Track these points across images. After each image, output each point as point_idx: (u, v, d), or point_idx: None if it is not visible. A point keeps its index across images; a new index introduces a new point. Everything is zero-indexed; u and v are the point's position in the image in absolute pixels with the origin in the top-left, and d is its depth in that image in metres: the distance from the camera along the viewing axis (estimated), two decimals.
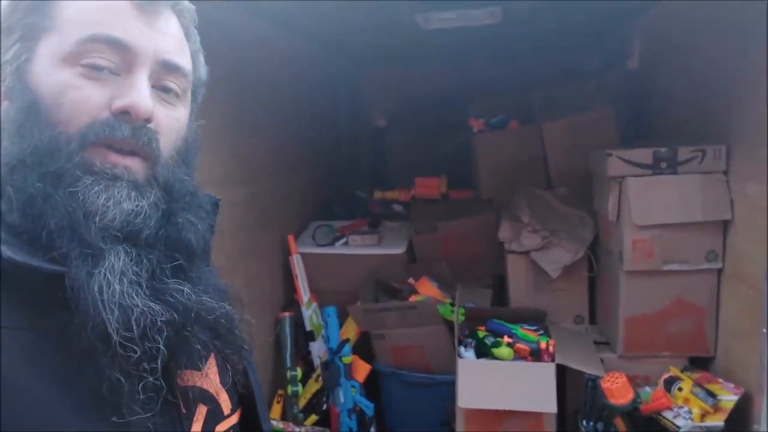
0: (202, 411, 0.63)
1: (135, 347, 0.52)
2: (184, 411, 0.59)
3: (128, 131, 0.56)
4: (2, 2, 0.60)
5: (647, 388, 1.72)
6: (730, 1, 1.61)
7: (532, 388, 1.70)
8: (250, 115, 2.07)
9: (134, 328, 0.52)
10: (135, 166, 0.57)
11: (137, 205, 0.56)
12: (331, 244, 2.46)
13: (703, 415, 1.55)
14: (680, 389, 1.64)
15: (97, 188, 0.54)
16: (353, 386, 2.10)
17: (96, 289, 0.51)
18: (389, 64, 3.38)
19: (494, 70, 3.17)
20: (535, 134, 2.47)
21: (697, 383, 1.62)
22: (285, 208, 2.46)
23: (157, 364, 0.54)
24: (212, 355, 0.64)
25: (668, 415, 1.58)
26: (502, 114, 2.63)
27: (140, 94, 0.56)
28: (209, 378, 0.64)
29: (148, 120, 0.57)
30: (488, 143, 2.56)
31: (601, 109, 2.38)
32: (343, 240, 2.47)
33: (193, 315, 0.57)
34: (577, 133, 2.38)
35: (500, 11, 2.17)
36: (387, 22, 2.29)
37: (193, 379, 0.61)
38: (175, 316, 0.56)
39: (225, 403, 0.67)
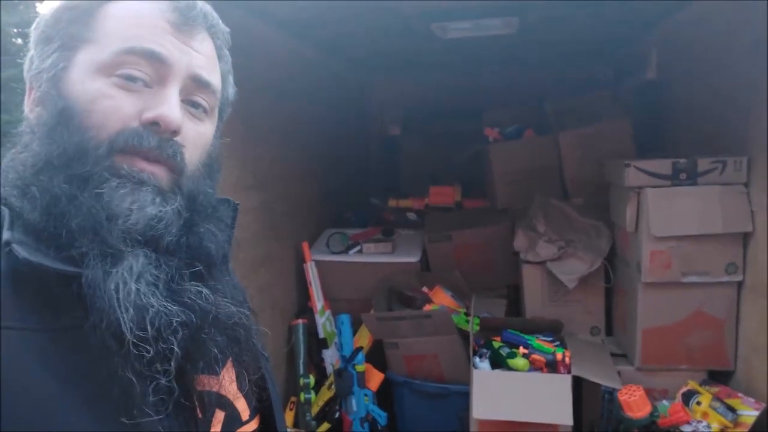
0: (219, 416, 0.63)
1: (148, 347, 0.52)
2: (200, 416, 0.59)
3: (155, 142, 0.57)
4: (44, 12, 0.62)
5: (665, 402, 1.70)
6: (749, 10, 1.60)
7: (547, 399, 1.68)
8: (263, 121, 2.08)
9: (148, 327, 0.52)
10: (161, 173, 0.58)
11: (160, 211, 0.57)
12: (345, 251, 2.45)
13: (723, 430, 1.53)
14: (699, 403, 1.61)
15: (123, 191, 0.55)
16: (366, 395, 2.09)
17: (112, 287, 0.52)
18: (403, 72, 3.39)
19: (509, 79, 3.16)
20: (551, 144, 2.46)
21: (717, 397, 1.59)
22: (298, 216, 2.46)
23: (171, 365, 0.54)
24: (230, 361, 0.64)
25: (686, 429, 1.56)
26: (517, 123, 2.62)
27: (170, 107, 0.58)
28: (226, 384, 0.64)
29: (175, 132, 0.59)
30: (503, 152, 2.55)
31: (617, 118, 2.37)
32: (357, 248, 2.47)
33: (210, 317, 0.58)
34: (593, 143, 2.37)
35: (517, 21, 2.17)
36: (403, 31, 2.30)
37: (210, 383, 0.61)
38: (192, 317, 0.56)
39: (243, 409, 0.67)
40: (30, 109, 0.61)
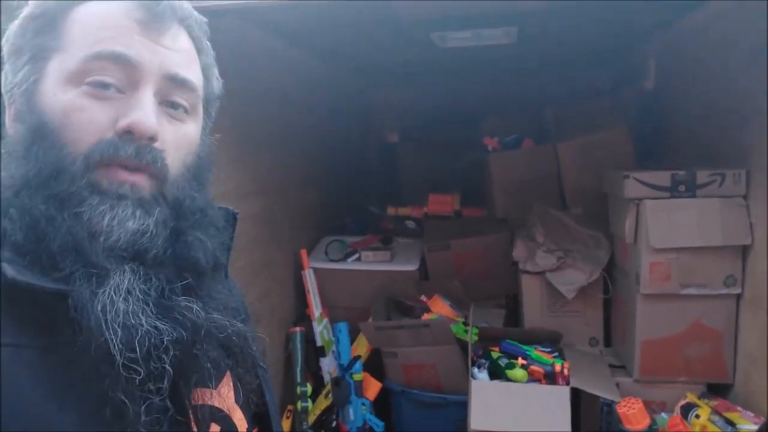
0: (215, 430, 0.62)
1: (139, 368, 0.51)
2: (195, 430, 0.59)
3: (132, 150, 0.55)
4: (12, 24, 0.60)
5: (663, 415, 1.70)
6: (747, 21, 1.60)
7: (546, 411, 1.68)
8: (261, 128, 2.08)
9: (138, 349, 0.51)
10: (142, 182, 0.57)
11: (143, 224, 0.55)
12: (344, 259, 2.45)
13: None
14: (697, 416, 1.61)
15: (102, 208, 0.54)
16: (363, 404, 2.09)
17: (99, 308, 0.51)
18: (402, 80, 3.39)
19: (508, 88, 3.17)
20: (550, 153, 2.46)
21: (716, 411, 1.59)
22: (297, 223, 2.46)
23: (164, 384, 0.53)
24: (227, 374, 0.63)
25: None
26: (516, 132, 2.62)
27: (144, 112, 0.56)
28: (222, 396, 0.63)
29: (152, 139, 0.56)
30: (502, 162, 2.55)
31: (616, 127, 2.37)
32: (356, 256, 2.46)
33: (202, 333, 0.57)
34: (592, 153, 2.37)
35: (516, 31, 2.17)
36: (402, 40, 2.31)
37: (204, 397, 0.60)
38: (184, 334, 0.55)
39: (240, 421, 0.66)
40: (10, 126, 0.59)
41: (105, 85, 0.56)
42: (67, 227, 0.52)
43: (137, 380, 0.51)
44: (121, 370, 0.50)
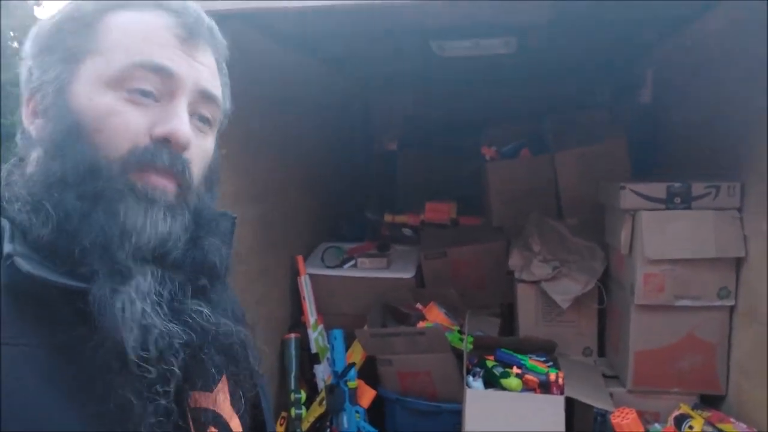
0: None
1: (150, 368, 0.52)
2: None
3: (167, 159, 0.57)
4: (43, 21, 0.61)
5: (657, 425, 1.70)
6: (744, 36, 1.62)
7: (540, 420, 1.68)
8: (261, 134, 2.08)
9: (151, 348, 0.52)
10: (170, 187, 0.58)
11: (170, 228, 0.57)
12: (340, 266, 2.45)
13: None
14: (691, 427, 1.61)
15: (137, 208, 0.55)
16: (357, 411, 2.08)
17: (119, 306, 0.52)
18: (401, 88, 3.41)
19: (507, 97, 3.18)
20: (547, 163, 2.48)
21: (709, 422, 1.59)
22: (294, 229, 2.46)
23: (170, 387, 0.54)
24: (224, 379, 0.64)
25: None
26: (514, 142, 2.64)
27: (181, 122, 0.58)
28: (219, 401, 0.64)
29: (185, 148, 0.58)
30: (500, 171, 2.56)
31: (613, 138, 2.39)
32: (352, 262, 2.46)
33: (210, 337, 0.58)
34: (589, 163, 2.38)
35: (515, 41, 2.19)
36: (402, 48, 2.32)
37: (204, 401, 0.61)
38: (193, 337, 0.56)
39: (236, 427, 0.67)
40: (30, 121, 0.60)
41: (146, 93, 0.57)
42: (100, 224, 0.53)
43: (146, 381, 0.52)
44: (133, 369, 0.51)
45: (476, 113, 3.15)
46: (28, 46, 0.61)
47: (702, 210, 1.71)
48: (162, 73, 0.58)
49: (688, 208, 1.73)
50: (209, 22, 0.65)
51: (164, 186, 0.58)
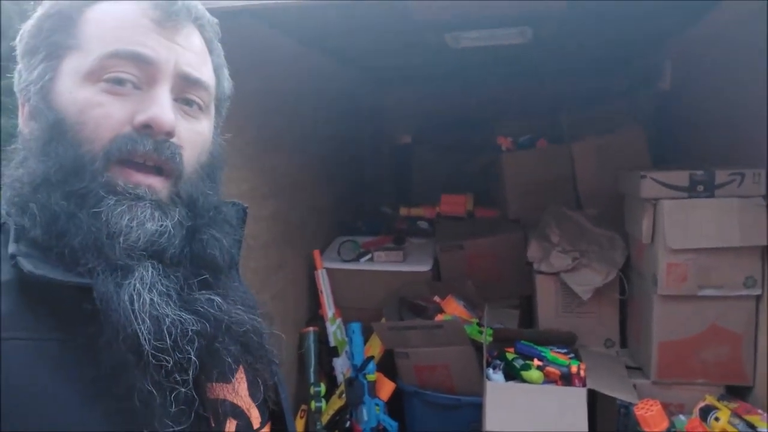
0: (231, 425, 0.62)
1: (167, 357, 0.52)
2: (213, 425, 0.59)
3: (151, 145, 0.56)
4: (27, 22, 0.61)
5: (682, 417, 1.67)
6: (764, 25, 1.59)
7: (562, 413, 1.66)
8: (276, 130, 2.08)
9: (166, 338, 0.52)
10: (158, 185, 0.57)
11: (161, 225, 0.56)
12: (356, 260, 2.45)
13: None
14: (717, 419, 1.59)
15: (120, 209, 0.54)
16: (377, 404, 2.08)
17: (127, 299, 0.51)
18: (416, 81, 3.39)
19: (522, 89, 3.16)
20: (564, 153, 2.45)
21: (736, 413, 1.57)
22: (310, 224, 2.46)
23: (189, 375, 0.53)
24: (242, 369, 0.64)
25: None
26: (531, 134, 2.61)
27: (162, 108, 0.56)
28: (240, 393, 0.63)
29: (170, 134, 0.57)
30: (516, 162, 2.54)
31: (631, 128, 2.35)
32: (368, 256, 2.46)
33: (223, 327, 0.58)
34: (607, 153, 2.35)
35: (531, 31, 2.16)
36: (415, 41, 2.30)
37: (224, 393, 0.60)
38: (207, 326, 0.56)
39: (255, 418, 0.66)
40: (25, 124, 0.59)
41: (121, 81, 0.56)
42: (87, 225, 0.53)
43: (164, 370, 0.52)
44: (150, 359, 0.51)
45: (491, 106, 3.13)
46: (18, 48, 0.61)
47: (726, 198, 1.67)
48: (138, 60, 0.56)
49: (711, 196, 1.69)
50: (192, 3, 0.62)
51: (149, 183, 0.57)
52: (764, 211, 1.65)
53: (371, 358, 2.14)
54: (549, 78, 3.13)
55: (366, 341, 2.25)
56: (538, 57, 2.67)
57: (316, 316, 2.35)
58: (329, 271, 2.38)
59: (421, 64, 2.83)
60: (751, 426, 1.49)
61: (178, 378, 0.53)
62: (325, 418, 2.10)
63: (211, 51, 0.65)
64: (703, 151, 2.13)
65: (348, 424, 2.08)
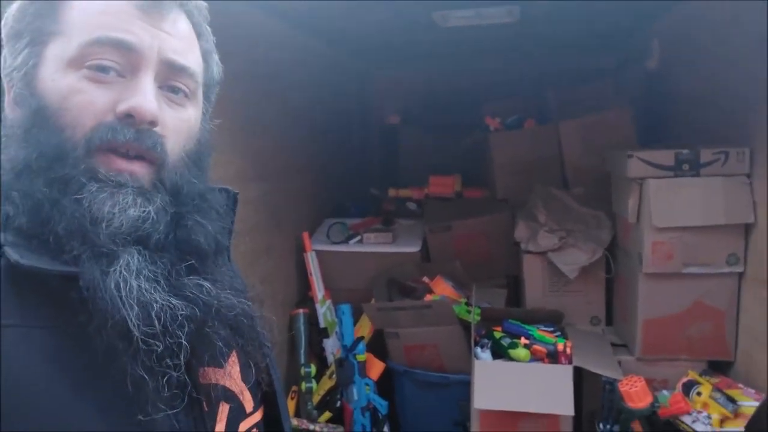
0: (224, 409, 0.63)
1: (157, 342, 0.52)
2: (206, 409, 0.59)
3: (132, 134, 0.55)
4: (12, 6, 0.59)
5: (665, 392, 1.71)
6: (752, 4, 1.59)
7: (549, 390, 1.69)
8: (263, 112, 2.07)
9: (155, 323, 0.52)
10: (141, 171, 0.57)
11: (144, 211, 0.55)
12: (345, 241, 2.45)
13: (723, 421, 1.54)
14: (699, 394, 1.62)
15: (102, 195, 0.53)
16: (367, 384, 2.10)
17: (113, 286, 0.51)
18: (403, 62, 3.36)
19: (510, 69, 3.14)
20: (552, 133, 2.45)
21: (717, 388, 1.60)
22: (298, 206, 2.46)
23: (180, 360, 0.53)
24: (234, 353, 0.64)
25: (687, 419, 1.57)
26: (518, 114, 2.61)
27: (145, 97, 0.56)
28: (232, 376, 0.64)
29: (153, 123, 0.56)
30: (504, 142, 2.54)
31: (618, 108, 2.36)
32: (357, 238, 2.46)
33: (213, 311, 0.57)
34: (594, 133, 2.36)
35: (518, 10, 2.15)
36: (403, 20, 2.28)
37: (216, 377, 0.61)
38: (196, 311, 0.55)
39: (248, 401, 0.67)
40: (11, 109, 0.58)
41: (104, 69, 0.55)
42: (71, 211, 0.52)
43: (155, 355, 0.52)
44: (141, 345, 0.51)
45: (479, 86, 3.12)
46: (2, 33, 0.60)
47: (711, 177, 1.69)
48: (121, 47, 0.55)
49: (697, 175, 1.71)
50: None
51: (132, 169, 0.56)
52: (748, 189, 1.67)
53: (361, 338, 2.15)
54: (536, 57, 3.11)
55: (356, 322, 2.26)
56: (526, 37, 2.66)
57: (306, 298, 2.36)
58: (318, 253, 2.38)
59: (410, 43, 2.81)
60: (732, 400, 1.53)
61: (170, 363, 0.53)
62: (315, 399, 2.12)
63: (199, 35, 0.63)
64: (691, 130, 2.14)
65: (339, 404, 2.10)
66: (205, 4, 0.65)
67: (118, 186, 0.54)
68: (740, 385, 1.61)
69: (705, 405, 1.58)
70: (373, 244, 2.43)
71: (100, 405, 0.51)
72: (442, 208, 2.66)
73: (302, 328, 2.18)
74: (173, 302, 0.54)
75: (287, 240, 2.32)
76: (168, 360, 0.53)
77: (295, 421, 2.00)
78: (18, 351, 0.49)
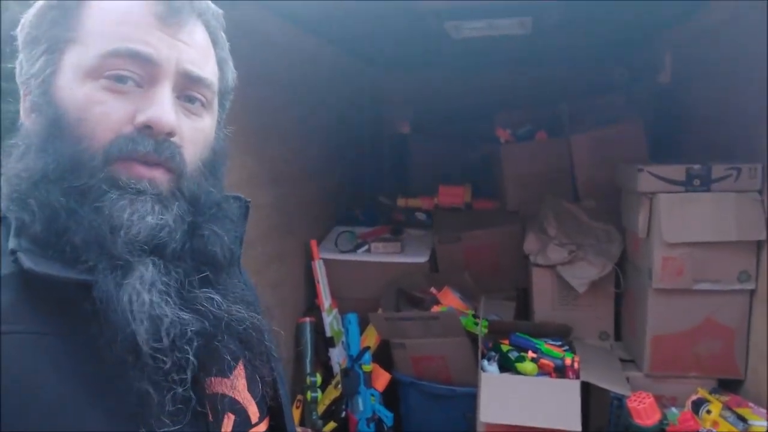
0: (230, 420, 0.62)
1: (165, 358, 0.52)
2: (211, 420, 0.59)
3: (151, 146, 0.55)
4: (29, 11, 0.59)
5: (674, 410, 1.69)
6: (763, 19, 1.58)
7: (556, 405, 1.68)
8: (275, 119, 2.08)
9: (164, 338, 0.52)
10: (160, 177, 0.57)
11: (162, 219, 0.55)
12: (354, 250, 2.45)
13: None
14: (709, 412, 1.60)
15: (122, 203, 0.54)
16: (372, 395, 2.09)
17: (126, 299, 0.51)
18: (415, 71, 3.38)
19: (522, 81, 3.14)
20: (563, 146, 2.45)
21: (727, 406, 1.58)
22: (308, 213, 2.46)
23: (187, 375, 0.53)
24: (241, 365, 0.64)
25: None
26: (530, 125, 2.61)
27: (163, 108, 0.56)
28: (238, 388, 0.63)
29: (171, 134, 0.57)
30: (515, 154, 2.54)
31: (630, 121, 2.35)
32: (366, 247, 2.46)
33: (223, 325, 0.57)
34: (606, 146, 2.35)
35: (531, 21, 2.15)
36: (416, 30, 2.29)
37: (222, 388, 0.60)
38: (206, 325, 0.55)
39: (253, 413, 0.66)
40: (26, 116, 0.59)
41: (122, 79, 0.55)
42: (89, 221, 0.53)
43: (162, 370, 0.52)
44: (148, 360, 0.51)
45: (490, 97, 3.11)
46: (19, 38, 0.60)
47: (722, 192, 1.68)
48: (139, 58, 0.55)
49: (708, 190, 1.70)
50: None
51: (152, 176, 0.56)
52: (760, 205, 1.65)
53: (367, 348, 2.15)
54: (550, 70, 3.11)
55: (362, 332, 2.26)
56: (539, 48, 2.66)
57: (313, 306, 2.36)
58: (326, 261, 2.38)
59: (422, 53, 2.82)
60: (742, 419, 1.51)
61: (176, 377, 0.53)
62: (320, 408, 2.12)
63: (215, 43, 0.64)
64: (702, 144, 2.13)
65: (343, 414, 2.10)
66: (221, 11, 0.65)
67: (137, 193, 0.55)
68: (750, 404, 1.58)
69: (715, 423, 1.56)
70: (381, 254, 2.43)
71: (105, 415, 0.51)
72: (452, 218, 2.65)
73: (308, 336, 2.17)
74: (183, 317, 0.54)
75: (297, 247, 2.32)
76: (174, 375, 0.53)
77: (299, 431, 2.00)
78: (28, 356, 0.49)
